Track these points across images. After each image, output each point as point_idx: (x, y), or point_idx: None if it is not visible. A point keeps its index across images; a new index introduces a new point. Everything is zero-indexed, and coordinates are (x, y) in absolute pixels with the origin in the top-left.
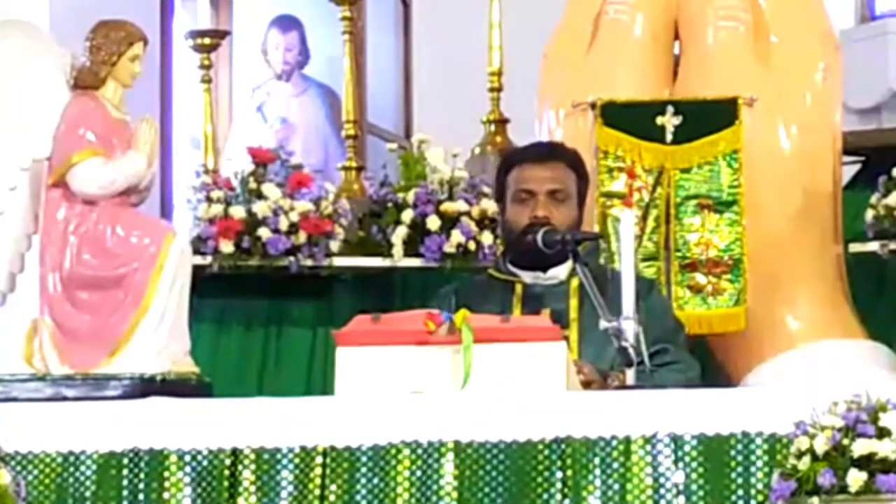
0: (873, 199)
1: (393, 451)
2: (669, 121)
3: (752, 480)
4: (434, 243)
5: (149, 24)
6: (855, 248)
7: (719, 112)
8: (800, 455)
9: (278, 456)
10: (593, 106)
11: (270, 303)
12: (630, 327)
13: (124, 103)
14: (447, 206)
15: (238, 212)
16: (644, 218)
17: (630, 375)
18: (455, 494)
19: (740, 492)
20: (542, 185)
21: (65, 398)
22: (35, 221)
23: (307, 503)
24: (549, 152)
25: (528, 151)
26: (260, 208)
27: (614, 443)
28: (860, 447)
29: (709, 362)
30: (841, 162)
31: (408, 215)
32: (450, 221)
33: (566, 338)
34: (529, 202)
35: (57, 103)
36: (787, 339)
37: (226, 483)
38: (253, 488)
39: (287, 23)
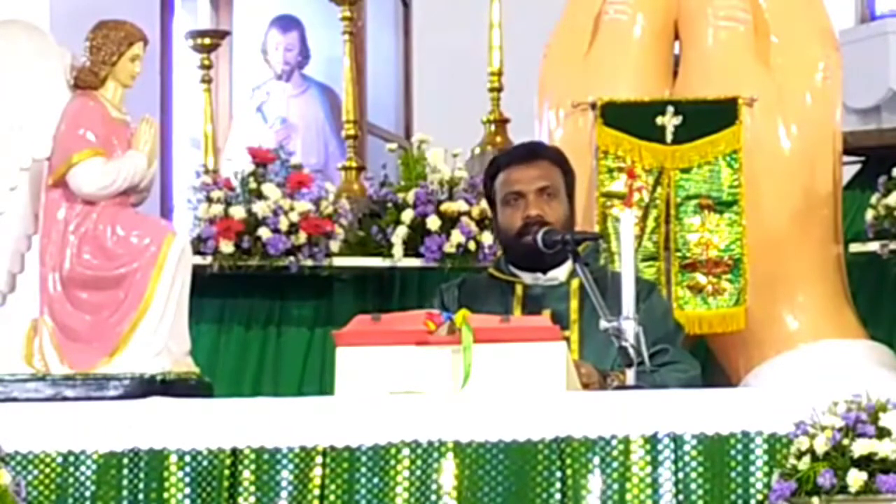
0: (873, 199)
1: (393, 451)
2: (669, 121)
3: (752, 480)
4: (434, 243)
5: (149, 24)
6: (855, 248)
7: (719, 112)
8: (800, 455)
9: (278, 456)
10: (593, 106)
11: (270, 303)
12: (630, 327)
13: (124, 103)
14: (447, 206)
15: (238, 212)
16: (644, 218)
17: (630, 375)
18: (455, 494)
19: (740, 491)
20: (531, 185)
21: (65, 398)
22: (35, 221)
23: (307, 503)
24: (531, 152)
25: (510, 155)
26: (260, 208)
27: (614, 443)
28: (860, 447)
29: (709, 362)
30: (841, 162)
31: (408, 215)
32: (450, 221)
33: (566, 338)
34: (520, 203)
35: (57, 103)
36: (787, 339)
37: (226, 483)
38: (253, 488)
39: (287, 23)
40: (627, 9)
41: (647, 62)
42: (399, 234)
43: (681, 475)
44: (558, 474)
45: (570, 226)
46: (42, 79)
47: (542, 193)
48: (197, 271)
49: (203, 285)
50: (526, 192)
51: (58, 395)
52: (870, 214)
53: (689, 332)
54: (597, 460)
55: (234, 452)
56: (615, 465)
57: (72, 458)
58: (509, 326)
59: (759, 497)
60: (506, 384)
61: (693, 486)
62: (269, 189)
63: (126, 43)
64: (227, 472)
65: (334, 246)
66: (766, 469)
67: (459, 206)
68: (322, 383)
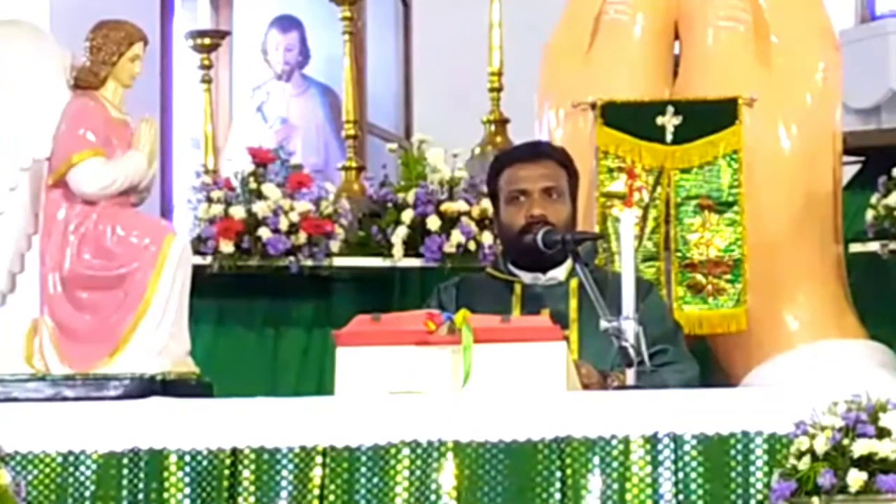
0: (873, 199)
1: (393, 451)
2: (669, 121)
3: (752, 480)
4: (434, 243)
5: (149, 24)
6: (855, 248)
7: (719, 112)
8: (800, 455)
9: (278, 456)
10: (593, 106)
11: (270, 303)
12: (630, 327)
13: (124, 103)
14: (447, 206)
15: (238, 212)
16: (644, 218)
17: (630, 375)
18: (455, 494)
19: (740, 491)
20: (536, 184)
21: (65, 398)
22: (35, 221)
23: (307, 503)
24: (538, 151)
25: (517, 152)
26: (260, 208)
27: (614, 443)
28: (860, 447)
29: (709, 362)
30: (841, 162)
31: (408, 215)
32: (450, 221)
33: (566, 338)
34: (524, 202)
35: (57, 103)
36: (787, 340)
37: (226, 483)
38: (253, 488)
39: (287, 23)
40: (627, 9)
41: (647, 62)
42: (399, 234)
43: (681, 475)
44: (558, 474)
45: (571, 227)
46: (42, 79)
47: (546, 193)
48: (197, 271)
49: (203, 285)
50: (531, 191)
51: (58, 395)
52: (870, 214)
53: (689, 332)
54: (597, 460)
55: (234, 452)
56: (615, 465)
57: (72, 458)
58: (509, 326)
59: (759, 497)
60: (506, 384)
61: (693, 486)
62: (269, 189)
63: (126, 43)
64: (227, 472)
65: (334, 246)
66: (766, 469)
67: (459, 206)
68: (322, 383)
